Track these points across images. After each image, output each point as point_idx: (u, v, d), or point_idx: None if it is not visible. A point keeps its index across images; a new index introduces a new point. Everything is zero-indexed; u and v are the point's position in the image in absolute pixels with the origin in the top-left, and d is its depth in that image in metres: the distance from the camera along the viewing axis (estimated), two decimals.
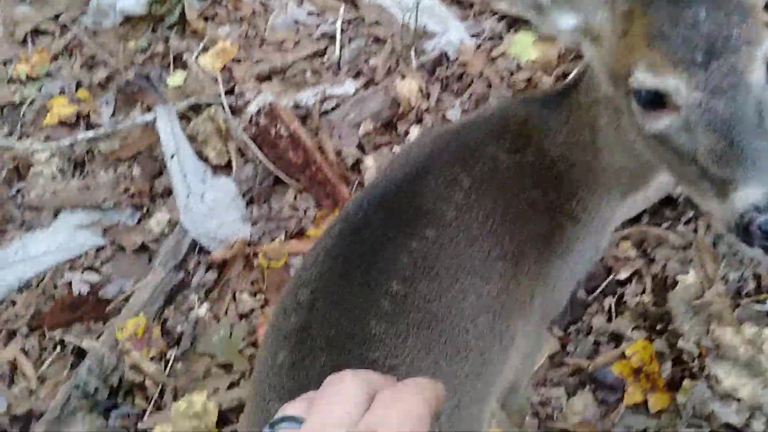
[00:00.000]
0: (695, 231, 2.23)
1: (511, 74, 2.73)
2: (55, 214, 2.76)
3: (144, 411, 2.16)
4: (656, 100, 0.93)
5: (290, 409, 0.63)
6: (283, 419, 0.62)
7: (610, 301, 2.16)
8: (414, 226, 1.17)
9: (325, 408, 0.61)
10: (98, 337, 2.35)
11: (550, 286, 1.33)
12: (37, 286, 2.56)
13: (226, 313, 2.36)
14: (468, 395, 1.18)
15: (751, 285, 2.07)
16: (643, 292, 2.14)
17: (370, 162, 2.60)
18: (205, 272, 2.50)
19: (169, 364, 2.26)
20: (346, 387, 0.62)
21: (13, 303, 2.52)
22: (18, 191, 2.85)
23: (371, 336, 1.08)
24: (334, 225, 1.25)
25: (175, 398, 2.16)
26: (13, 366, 2.37)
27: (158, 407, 2.17)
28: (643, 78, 0.93)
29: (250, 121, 2.74)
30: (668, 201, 2.26)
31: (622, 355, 2.04)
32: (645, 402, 1.98)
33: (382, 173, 1.39)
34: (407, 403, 0.60)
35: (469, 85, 2.76)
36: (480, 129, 1.31)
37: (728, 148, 0.86)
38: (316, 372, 1.05)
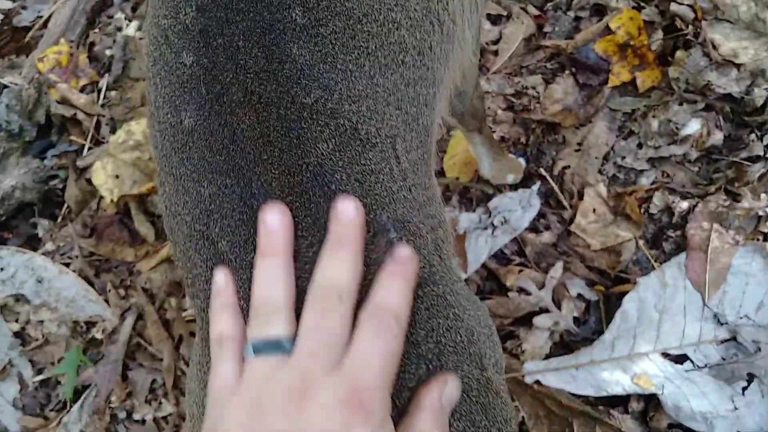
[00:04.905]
0: None
1: None
2: None
3: (81, 147, 1.96)
4: None
5: (273, 328, 0.57)
6: (267, 344, 0.57)
7: None
8: None
9: (310, 335, 0.56)
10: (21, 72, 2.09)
11: None
12: None
13: None
14: (413, 105, 0.91)
15: None
16: None
17: None
18: None
19: (102, 94, 2.02)
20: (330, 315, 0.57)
21: None
22: None
23: (296, 67, 0.75)
24: None
25: (113, 130, 1.95)
26: None
27: (96, 142, 1.97)
28: None
29: None
30: None
31: (606, 30, 1.77)
32: (633, 81, 1.74)
33: None
34: (386, 339, 0.57)
35: None
36: None
37: None
38: (239, 142, 0.69)
